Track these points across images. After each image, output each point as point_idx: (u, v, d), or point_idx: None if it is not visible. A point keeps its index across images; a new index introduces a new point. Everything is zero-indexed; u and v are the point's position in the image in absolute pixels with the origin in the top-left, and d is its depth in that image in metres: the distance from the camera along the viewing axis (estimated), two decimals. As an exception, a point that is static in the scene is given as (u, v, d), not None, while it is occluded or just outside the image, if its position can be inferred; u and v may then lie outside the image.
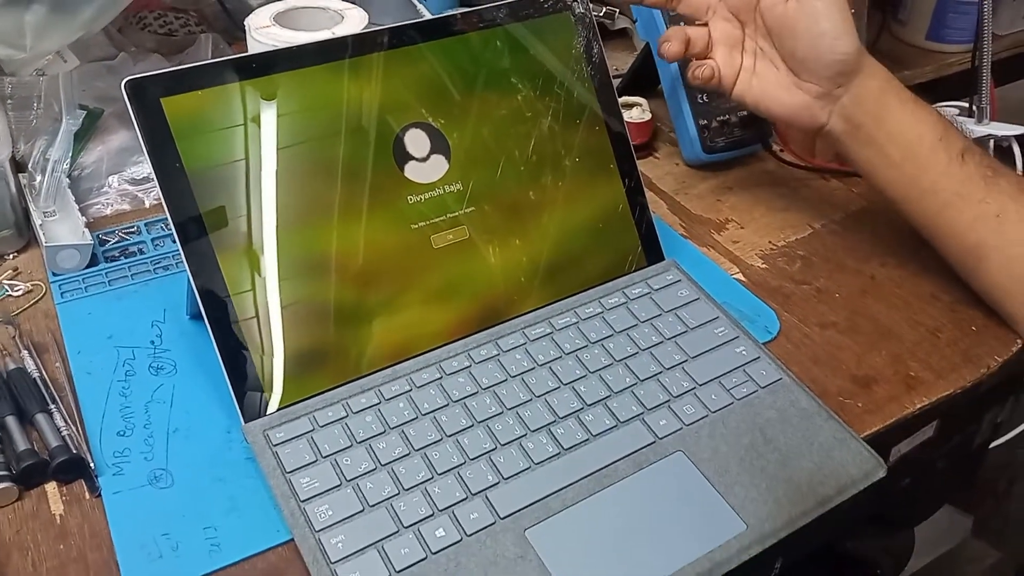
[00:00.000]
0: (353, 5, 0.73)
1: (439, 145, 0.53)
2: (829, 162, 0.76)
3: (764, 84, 0.59)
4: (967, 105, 0.84)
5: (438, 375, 0.51)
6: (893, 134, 0.57)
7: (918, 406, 0.54)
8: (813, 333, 0.58)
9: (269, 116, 0.49)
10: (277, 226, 0.49)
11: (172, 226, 0.47)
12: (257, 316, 0.48)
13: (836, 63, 0.56)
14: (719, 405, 0.51)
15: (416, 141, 0.53)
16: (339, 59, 0.51)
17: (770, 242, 0.66)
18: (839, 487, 0.48)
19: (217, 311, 0.47)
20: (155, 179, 0.47)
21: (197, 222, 0.47)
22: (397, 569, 0.42)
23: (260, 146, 0.49)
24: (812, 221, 0.69)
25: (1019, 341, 0.58)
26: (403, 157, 0.52)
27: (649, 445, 0.49)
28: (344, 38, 0.51)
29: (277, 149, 0.49)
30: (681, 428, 0.50)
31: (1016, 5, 1.01)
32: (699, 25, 0.61)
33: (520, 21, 0.56)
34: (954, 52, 0.97)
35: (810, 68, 0.57)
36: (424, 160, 0.53)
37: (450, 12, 0.54)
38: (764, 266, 0.64)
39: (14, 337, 0.55)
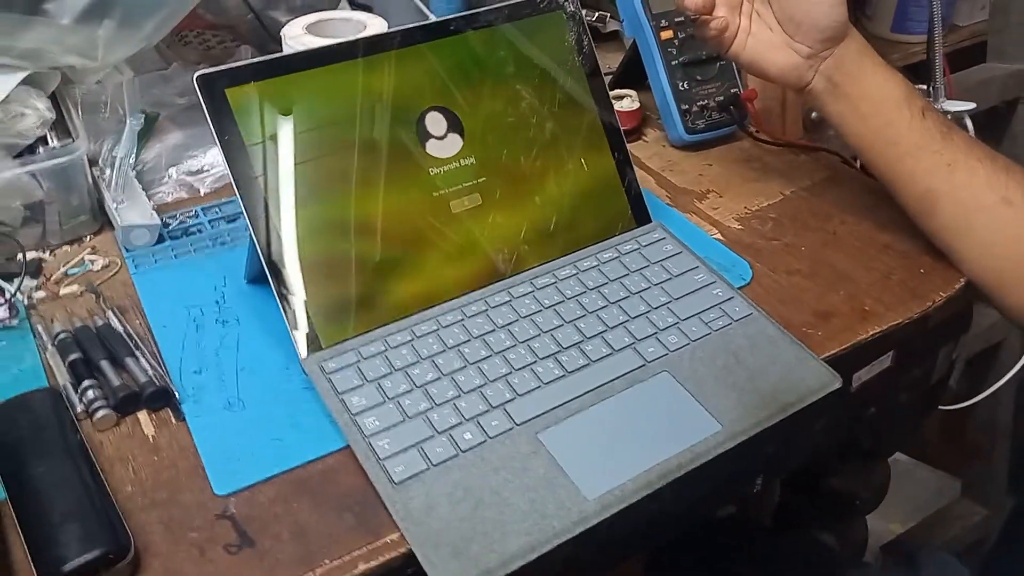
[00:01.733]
0: (373, 15, 0.84)
1: (454, 125, 0.63)
2: (799, 139, 0.86)
3: (758, 45, 0.67)
4: (927, 86, 0.93)
5: (460, 317, 0.60)
6: (865, 92, 0.66)
7: (871, 333, 0.63)
8: (781, 279, 0.67)
9: (314, 102, 0.59)
10: (323, 193, 0.58)
11: (236, 193, 0.56)
12: (309, 272, 0.58)
13: (829, 28, 0.64)
14: (698, 335, 0.60)
15: (435, 122, 0.62)
16: (369, 55, 0.61)
17: (745, 207, 0.76)
18: (799, 396, 0.57)
19: (277, 267, 0.57)
20: (222, 155, 0.56)
21: (257, 190, 0.57)
22: (434, 463, 0.51)
23: (308, 127, 0.58)
24: (783, 189, 0.78)
25: (962, 279, 0.67)
26: (424, 135, 0.62)
27: (639, 367, 0.58)
28: (373, 37, 0.61)
29: (322, 130, 0.59)
30: (666, 354, 0.59)
31: (974, -2, 1.11)
32: None
33: (520, 19, 0.66)
34: (916, 42, 1.06)
35: (805, 32, 0.65)
36: (442, 138, 0.63)
37: (460, 13, 0.64)
38: (739, 227, 0.73)
39: (99, 301, 0.64)
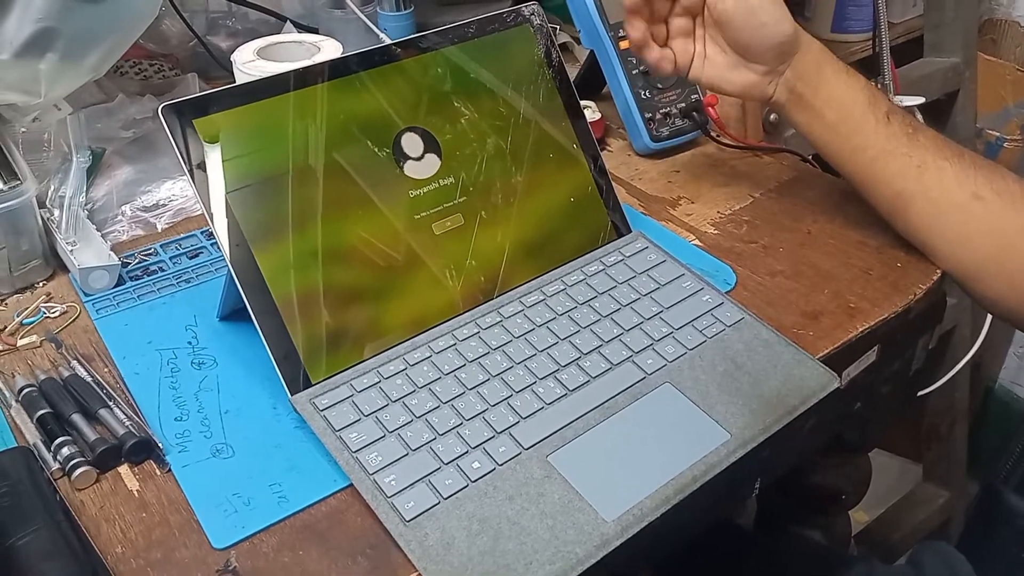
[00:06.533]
0: (325, 37, 0.81)
1: (431, 145, 0.61)
2: (760, 141, 0.86)
3: (715, 67, 0.67)
4: (874, 84, 0.95)
5: (453, 341, 0.58)
6: (829, 100, 0.66)
7: (860, 330, 0.63)
8: (765, 281, 0.67)
9: (288, 128, 0.56)
10: (303, 223, 0.56)
11: (213, 230, 0.54)
12: (292, 305, 0.55)
13: (777, 46, 0.65)
14: (695, 343, 0.59)
15: (411, 143, 0.60)
16: (338, 77, 0.59)
17: (718, 212, 0.76)
18: (803, 398, 0.57)
19: (259, 304, 0.54)
20: (194, 190, 0.54)
21: (234, 226, 0.54)
22: (444, 496, 0.49)
23: (282, 154, 0.56)
24: (752, 191, 0.78)
25: (938, 271, 0.68)
26: (402, 157, 0.60)
27: (641, 380, 0.57)
28: (341, 58, 0.59)
29: (298, 157, 0.56)
30: (666, 364, 0.58)
31: (906, -5, 1.14)
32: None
33: (488, 35, 0.65)
34: (856, 41, 1.08)
35: (755, 52, 0.65)
36: (420, 159, 0.61)
37: (430, 31, 0.63)
38: (716, 232, 0.73)
39: (60, 351, 0.60)
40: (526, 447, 0.52)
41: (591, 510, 0.49)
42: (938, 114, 1.11)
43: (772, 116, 0.89)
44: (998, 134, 1.18)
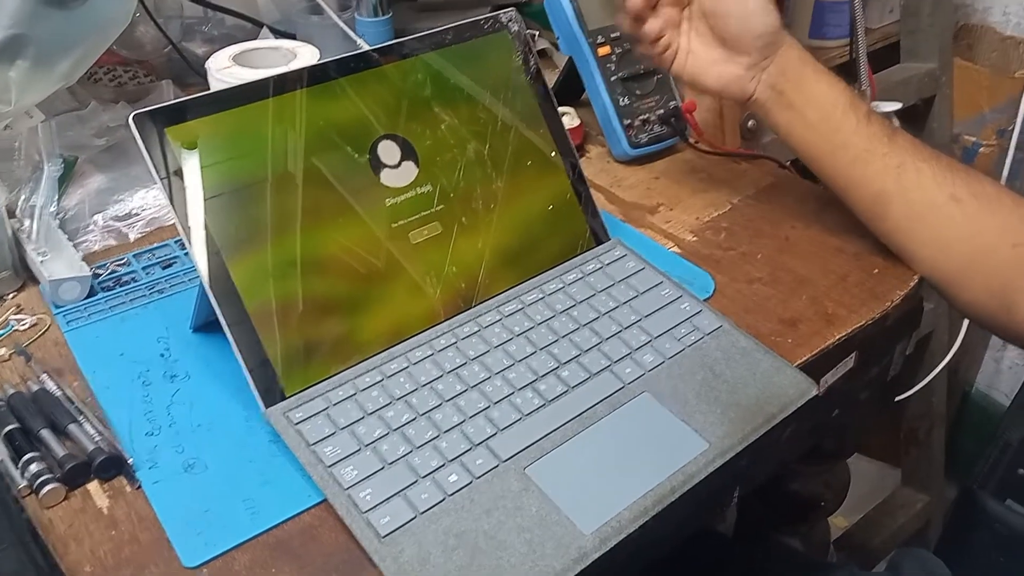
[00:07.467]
0: (301, 43, 0.81)
1: (408, 153, 0.60)
2: (738, 148, 0.86)
3: (698, 61, 0.67)
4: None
5: (430, 352, 0.57)
6: (811, 98, 0.66)
7: (838, 337, 0.63)
8: (743, 288, 0.67)
9: (262, 136, 0.55)
10: (277, 232, 0.55)
11: (185, 241, 0.53)
12: (266, 316, 0.54)
13: (764, 36, 0.65)
14: (673, 352, 0.59)
15: (388, 151, 0.60)
16: (314, 84, 0.58)
17: (697, 218, 0.76)
18: (781, 406, 0.56)
19: (232, 316, 0.53)
20: (167, 199, 0.53)
21: (207, 236, 0.53)
22: (421, 510, 0.48)
23: (255, 164, 0.55)
24: (730, 198, 0.78)
25: (915, 277, 0.68)
26: (378, 165, 0.59)
27: (619, 390, 0.56)
28: (316, 65, 0.58)
29: (273, 165, 0.55)
30: (644, 373, 0.58)
31: (883, 2, 1.14)
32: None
33: (465, 41, 0.64)
34: (835, 46, 1.09)
35: (741, 43, 0.65)
36: (396, 167, 0.60)
37: (405, 38, 0.62)
38: (694, 239, 0.73)
39: (29, 364, 0.59)
40: (503, 459, 0.51)
41: (569, 523, 0.49)
42: (915, 119, 1.11)
43: (750, 123, 0.89)
44: (974, 139, 1.19)
